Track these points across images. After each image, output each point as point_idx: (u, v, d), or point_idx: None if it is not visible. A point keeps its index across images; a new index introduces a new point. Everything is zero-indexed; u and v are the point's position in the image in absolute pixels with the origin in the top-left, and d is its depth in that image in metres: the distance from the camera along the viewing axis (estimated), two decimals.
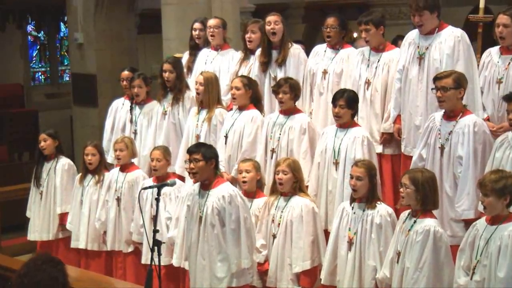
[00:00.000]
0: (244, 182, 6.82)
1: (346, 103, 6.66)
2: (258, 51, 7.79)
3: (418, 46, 6.75)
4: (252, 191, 6.86)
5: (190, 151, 6.43)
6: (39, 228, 8.31)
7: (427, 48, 6.69)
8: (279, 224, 6.55)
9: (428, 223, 5.62)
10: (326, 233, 6.63)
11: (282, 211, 6.55)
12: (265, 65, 7.67)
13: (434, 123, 6.35)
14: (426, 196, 5.65)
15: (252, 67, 7.83)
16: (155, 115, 8.19)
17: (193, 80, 8.16)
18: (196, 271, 6.41)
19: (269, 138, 7.19)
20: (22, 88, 16.92)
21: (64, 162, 8.30)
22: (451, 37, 6.63)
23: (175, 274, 7.29)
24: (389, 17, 13.33)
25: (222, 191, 6.30)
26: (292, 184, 6.57)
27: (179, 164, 7.77)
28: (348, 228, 6.16)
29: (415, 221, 5.67)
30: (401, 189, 5.70)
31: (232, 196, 6.26)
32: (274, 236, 6.58)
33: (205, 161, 6.28)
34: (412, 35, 6.89)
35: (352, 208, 6.18)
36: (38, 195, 8.34)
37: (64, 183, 8.25)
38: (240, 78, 7.46)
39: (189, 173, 6.58)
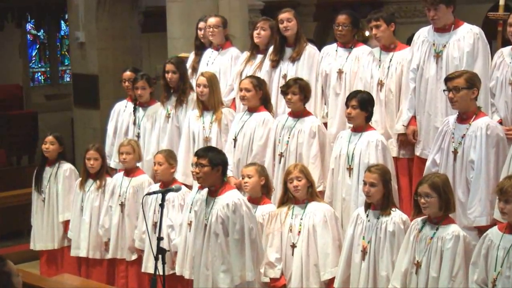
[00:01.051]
0: (246, 187, 6.77)
1: (359, 104, 6.62)
2: (271, 48, 7.72)
3: (434, 44, 6.72)
4: (257, 197, 6.81)
5: (197, 154, 6.41)
6: (44, 237, 8.29)
7: (444, 45, 6.65)
8: (299, 232, 6.49)
9: (454, 229, 5.64)
10: None
11: (301, 219, 6.49)
12: (275, 63, 7.64)
13: (448, 126, 6.32)
14: (448, 201, 5.67)
15: (264, 63, 7.77)
16: (159, 118, 8.16)
17: None
18: (199, 281, 6.39)
19: (277, 141, 7.16)
20: (21, 89, 16.94)
21: (65, 167, 8.29)
22: (470, 34, 6.60)
23: (179, 283, 7.28)
24: (404, 15, 13.33)
25: (227, 199, 6.27)
26: (307, 189, 6.54)
27: (180, 171, 7.69)
28: (362, 237, 6.13)
29: (437, 228, 5.66)
30: (422, 200, 5.66)
31: (237, 204, 6.22)
32: (294, 246, 6.51)
33: (211, 167, 6.26)
34: (424, 32, 6.84)
35: (367, 215, 6.15)
36: (41, 202, 8.33)
37: (66, 189, 8.23)
38: (249, 79, 7.40)
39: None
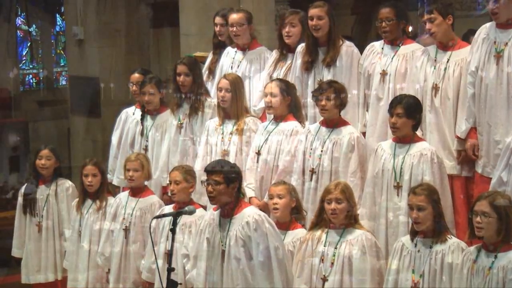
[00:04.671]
0: (275, 209, 6.75)
1: (405, 112, 6.60)
2: (300, 47, 7.72)
3: (495, 42, 6.69)
4: (286, 221, 6.80)
5: (208, 170, 6.43)
6: (43, 267, 8.29)
7: (506, 43, 6.62)
8: (332, 263, 6.45)
9: None
10: None
11: (335, 248, 6.45)
12: (309, 65, 7.62)
13: None
14: (511, 227, 5.62)
15: (292, 67, 7.77)
16: (169, 129, 8.15)
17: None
18: None
19: (308, 155, 7.13)
20: (9, 94, 17.07)
21: (67, 185, 8.35)
22: None
23: None
24: (459, 7, 13.26)
25: (246, 216, 6.31)
26: (347, 214, 6.47)
27: (196, 189, 7.60)
28: (411, 270, 6.08)
29: (495, 256, 5.63)
30: (478, 219, 5.64)
31: (258, 221, 6.27)
32: (325, 279, 6.45)
33: (226, 184, 6.32)
34: (486, 29, 6.81)
35: (415, 244, 6.11)
36: (35, 227, 8.34)
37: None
38: (276, 82, 7.41)
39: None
